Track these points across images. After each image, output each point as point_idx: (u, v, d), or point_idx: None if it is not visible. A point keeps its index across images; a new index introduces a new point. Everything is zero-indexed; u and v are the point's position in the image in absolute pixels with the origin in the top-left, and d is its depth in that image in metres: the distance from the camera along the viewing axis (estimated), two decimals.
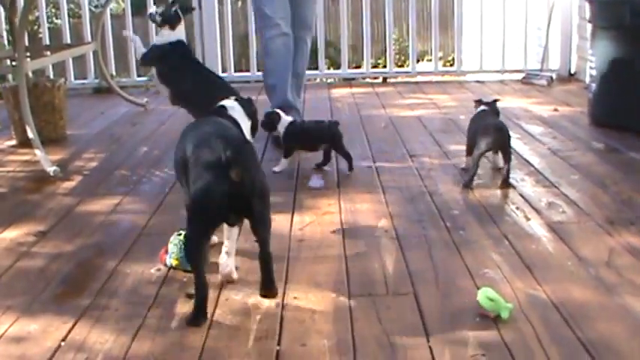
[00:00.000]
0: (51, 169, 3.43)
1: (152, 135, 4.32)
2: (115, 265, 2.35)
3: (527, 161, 3.45)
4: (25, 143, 3.84)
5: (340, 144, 3.38)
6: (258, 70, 5.69)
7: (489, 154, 3.22)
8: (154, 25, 4.74)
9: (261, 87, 4.32)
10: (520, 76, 5.95)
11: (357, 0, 7.51)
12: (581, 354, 1.75)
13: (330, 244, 2.50)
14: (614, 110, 4.04)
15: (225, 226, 2.15)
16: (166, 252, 2.31)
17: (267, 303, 2.05)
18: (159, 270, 2.30)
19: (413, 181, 3.20)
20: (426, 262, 2.32)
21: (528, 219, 2.68)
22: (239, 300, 2.08)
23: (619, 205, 2.83)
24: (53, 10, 8.41)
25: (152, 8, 4.17)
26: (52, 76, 5.39)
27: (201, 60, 5.10)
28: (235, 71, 6.10)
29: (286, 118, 3.43)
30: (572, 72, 5.93)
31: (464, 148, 3.32)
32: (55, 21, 8.08)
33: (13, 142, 4.13)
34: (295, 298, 2.08)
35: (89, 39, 5.73)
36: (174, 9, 3.84)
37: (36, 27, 7.14)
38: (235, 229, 2.19)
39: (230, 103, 2.49)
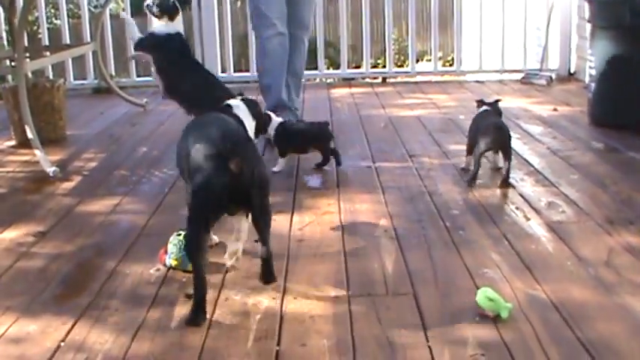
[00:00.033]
0: (50, 170, 3.43)
1: (151, 135, 4.32)
2: (114, 266, 2.35)
3: (527, 161, 3.45)
4: (24, 143, 3.84)
5: (328, 145, 3.37)
6: (258, 71, 5.68)
7: (489, 153, 3.22)
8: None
9: None
10: (519, 75, 5.94)
11: (356, 0, 7.51)
12: (580, 354, 1.75)
13: (329, 243, 2.50)
14: (614, 110, 4.05)
15: (235, 217, 2.15)
16: (166, 252, 2.31)
17: (267, 303, 2.05)
18: (158, 270, 2.30)
19: (412, 181, 3.20)
20: (425, 261, 2.32)
21: (528, 219, 2.68)
22: (239, 300, 2.08)
23: (618, 204, 2.83)
24: (52, 11, 8.41)
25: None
26: (51, 77, 5.38)
27: (200, 60, 5.08)
28: (234, 71, 6.10)
29: (276, 120, 3.39)
30: (572, 72, 5.93)
31: (463, 148, 3.32)
32: (55, 21, 8.07)
33: (13, 142, 4.13)
34: (295, 298, 2.08)
35: (88, 39, 5.72)
36: (172, 0, 3.76)
37: (35, 27, 7.13)
38: (245, 222, 2.18)
39: (235, 102, 2.49)
